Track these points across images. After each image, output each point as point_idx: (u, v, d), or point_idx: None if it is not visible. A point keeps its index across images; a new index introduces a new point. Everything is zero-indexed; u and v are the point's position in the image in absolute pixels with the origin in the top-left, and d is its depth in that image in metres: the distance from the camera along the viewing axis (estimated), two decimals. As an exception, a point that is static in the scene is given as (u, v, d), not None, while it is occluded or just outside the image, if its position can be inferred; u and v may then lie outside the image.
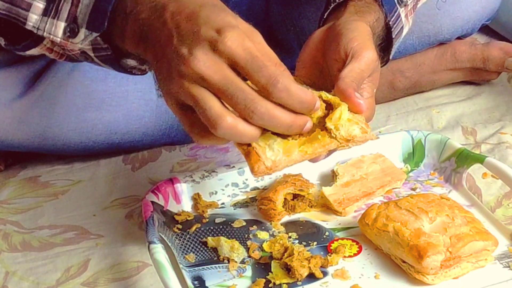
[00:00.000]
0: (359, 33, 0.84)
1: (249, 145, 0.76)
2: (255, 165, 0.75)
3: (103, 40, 0.79)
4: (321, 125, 0.78)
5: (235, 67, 0.71)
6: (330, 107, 0.80)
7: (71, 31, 0.79)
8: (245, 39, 0.71)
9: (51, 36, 0.80)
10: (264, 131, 0.76)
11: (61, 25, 0.79)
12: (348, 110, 0.79)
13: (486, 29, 1.43)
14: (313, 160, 0.81)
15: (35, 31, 0.80)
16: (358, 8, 0.89)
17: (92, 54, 0.81)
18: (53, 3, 0.79)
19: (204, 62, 0.70)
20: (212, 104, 0.70)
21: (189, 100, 0.71)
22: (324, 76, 0.87)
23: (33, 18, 0.80)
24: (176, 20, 0.72)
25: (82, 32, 0.78)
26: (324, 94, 0.80)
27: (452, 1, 1.21)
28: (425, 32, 1.22)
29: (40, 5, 0.79)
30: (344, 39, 0.83)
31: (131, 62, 0.84)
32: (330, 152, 0.80)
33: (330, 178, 1.01)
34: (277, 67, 0.71)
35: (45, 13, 0.79)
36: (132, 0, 0.75)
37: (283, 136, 0.77)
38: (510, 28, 1.39)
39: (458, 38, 1.27)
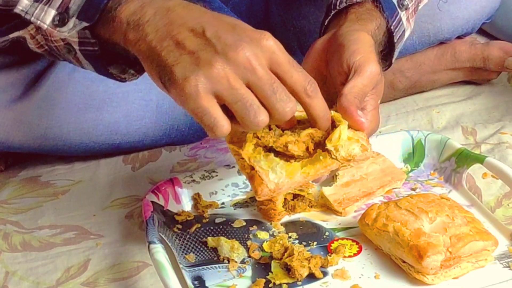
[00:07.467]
0: (361, 45, 0.84)
1: (252, 168, 0.78)
2: (259, 188, 0.77)
3: (91, 35, 0.79)
4: (322, 146, 0.80)
5: (273, 66, 0.72)
6: (333, 124, 0.80)
7: (60, 20, 0.78)
8: (280, 44, 0.73)
9: (38, 22, 0.79)
10: (267, 153, 0.78)
11: (51, 12, 0.78)
12: (349, 128, 0.80)
13: (488, 29, 1.43)
14: (316, 180, 0.83)
15: (22, 15, 0.80)
16: (359, 16, 0.89)
17: (76, 47, 0.80)
18: None
19: (253, 52, 0.71)
20: (252, 97, 0.71)
21: (229, 89, 0.71)
22: (328, 86, 0.87)
23: (24, 3, 0.79)
24: (202, 13, 0.74)
25: (72, 21, 0.78)
26: None
27: (452, 1, 1.21)
28: (425, 32, 1.22)
29: None
30: (347, 52, 0.83)
31: (113, 70, 0.83)
32: (333, 172, 0.81)
33: (330, 178, 1.01)
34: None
35: None
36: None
37: (286, 159, 0.79)
38: (507, 31, 1.39)
39: (458, 37, 1.27)
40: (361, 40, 0.84)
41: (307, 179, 0.79)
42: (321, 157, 0.79)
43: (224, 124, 0.71)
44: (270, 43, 0.72)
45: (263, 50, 0.72)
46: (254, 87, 0.71)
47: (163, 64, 0.72)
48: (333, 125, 0.80)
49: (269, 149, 0.79)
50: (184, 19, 0.73)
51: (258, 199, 0.79)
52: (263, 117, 0.71)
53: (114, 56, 0.82)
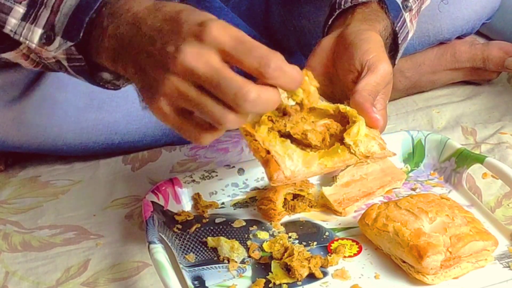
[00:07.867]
0: (373, 44, 0.84)
1: (268, 152, 0.76)
2: (274, 174, 0.75)
3: (78, 51, 0.78)
4: (338, 139, 0.79)
5: (225, 57, 0.68)
6: (344, 120, 0.80)
7: (47, 38, 0.78)
8: (230, 27, 0.69)
9: (27, 42, 0.79)
10: (283, 139, 0.77)
11: (38, 31, 0.78)
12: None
13: (485, 31, 1.43)
14: (330, 174, 0.81)
15: (12, 35, 0.79)
16: (366, 16, 0.89)
17: (65, 64, 0.80)
18: (33, 8, 0.78)
19: (192, 55, 0.67)
20: (209, 101, 0.68)
21: (183, 100, 0.69)
22: (334, 84, 0.87)
23: (12, 22, 0.78)
24: (157, 27, 0.71)
25: (58, 40, 0.77)
26: (342, 106, 0.80)
27: (452, 1, 1.21)
28: (425, 32, 1.22)
29: (20, 10, 0.78)
30: (359, 50, 0.83)
31: (106, 76, 0.83)
32: (348, 166, 0.80)
33: (330, 178, 1.01)
34: (266, 49, 0.68)
35: (24, 18, 0.78)
36: (109, 15, 0.75)
37: (301, 147, 0.77)
38: (505, 33, 1.39)
39: (458, 37, 1.28)
40: (372, 40, 0.84)
41: (323, 170, 0.78)
42: (339, 151, 0.78)
43: (200, 136, 0.71)
44: (213, 35, 0.67)
45: (206, 44, 0.68)
46: (206, 87, 0.68)
47: (137, 88, 0.74)
48: (347, 120, 0.80)
49: (282, 135, 0.78)
50: (138, 39, 0.72)
51: (272, 184, 0.77)
52: (225, 115, 0.68)
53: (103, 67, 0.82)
